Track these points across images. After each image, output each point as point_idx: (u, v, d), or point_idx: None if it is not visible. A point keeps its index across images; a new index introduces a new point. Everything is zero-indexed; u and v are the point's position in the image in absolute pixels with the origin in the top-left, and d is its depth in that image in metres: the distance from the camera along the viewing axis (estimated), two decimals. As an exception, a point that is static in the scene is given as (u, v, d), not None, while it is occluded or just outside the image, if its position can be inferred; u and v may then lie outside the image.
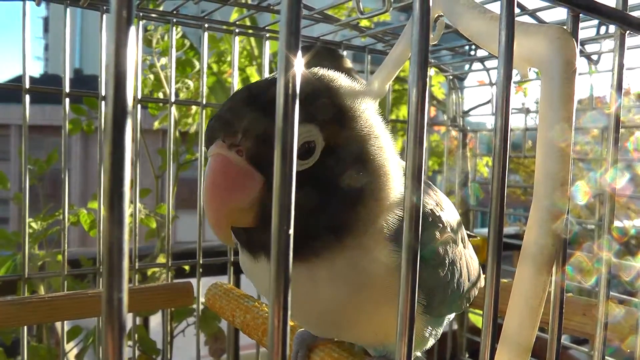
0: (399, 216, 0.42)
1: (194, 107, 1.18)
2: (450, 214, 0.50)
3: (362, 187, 0.40)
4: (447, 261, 0.47)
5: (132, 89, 0.16)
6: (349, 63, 1.02)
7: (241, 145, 0.38)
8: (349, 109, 0.40)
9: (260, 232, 0.40)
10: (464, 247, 0.53)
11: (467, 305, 0.55)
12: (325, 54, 0.98)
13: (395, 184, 0.43)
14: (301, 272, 0.40)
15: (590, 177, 1.06)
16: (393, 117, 1.37)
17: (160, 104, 1.09)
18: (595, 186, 0.97)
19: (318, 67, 0.44)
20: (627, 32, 0.30)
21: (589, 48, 0.89)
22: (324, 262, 0.40)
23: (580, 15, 0.28)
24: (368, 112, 0.42)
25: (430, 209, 0.46)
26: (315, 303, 0.42)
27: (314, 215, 0.38)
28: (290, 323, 0.20)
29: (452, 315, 0.55)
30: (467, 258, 0.52)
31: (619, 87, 0.32)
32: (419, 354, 0.54)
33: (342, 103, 0.40)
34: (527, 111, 1.12)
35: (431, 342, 0.52)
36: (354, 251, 0.41)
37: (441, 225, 0.47)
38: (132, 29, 0.16)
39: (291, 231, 0.19)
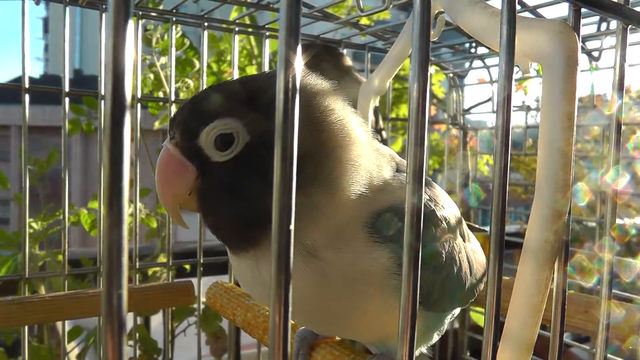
0: (385, 207, 0.42)
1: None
2: (447, 209, 0.49)
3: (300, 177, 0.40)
4: (443, 256, 0.46)
5: (132, 87, 0.16)
6: (348, 61, 1.02)
7: (176, 139, 0.42)
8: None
9: (213, 231, 0.43)
10: (465, 240, 0.52)
11: (473, 299, 0.54)
12: (325, 52, 0.98)
13: (361, 173, 0.42)
14: (249, 263, 0.43)
15: (591, 177, 1.06)
16: (393, 115, 1.37)
17: (161, 104, 1.09)
18: (596, 186, 0.97)
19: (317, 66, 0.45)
20: (629, 26, 0.30)
21: (590, 45, 0.89)
22: (252, 253, 0.42)
23: (582, 10, 0.28)
24: (317, 107, 0.42)
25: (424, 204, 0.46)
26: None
27: (250, 206, 0.40)
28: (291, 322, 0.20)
29: (456, 311, 0.55)
30: (467, 252, 0.51)
31: (621, 83, 0.31)
32: (424, 350, 0.53)
33: (269, 100, 0.39)
34: (528, 109, 1.11)
35: (435, 338, 0.52)
36: (312, 241, 0.41)
37: (435, 219, 0.46)
38: (131, 23, 0.16)
39: (292, 227, 0.19)
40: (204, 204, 0.42)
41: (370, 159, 0.44)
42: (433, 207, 0.46)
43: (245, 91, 0.42)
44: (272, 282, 0.20)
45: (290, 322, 0.20)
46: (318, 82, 0.43)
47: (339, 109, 0.43)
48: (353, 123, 0.43)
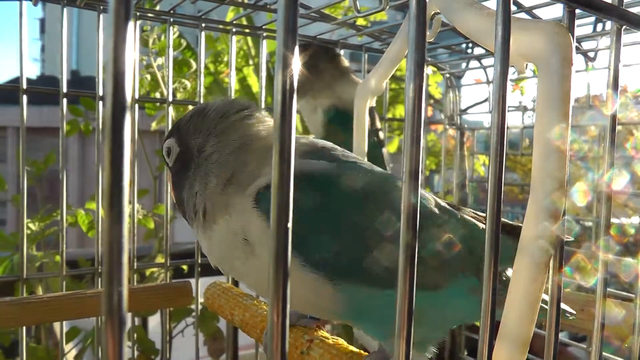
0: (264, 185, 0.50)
1: (191, 107, 1.18)
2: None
3: (213, 173, 0.54)
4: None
5: (130, 88, 0.16)
6: (345, 62, 1.03)
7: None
8: (194, 128, 0.56)
9: (180, 207, 0.58)
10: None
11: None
12: (322, 52, 0.98)
13: (254, 165, 0.52)
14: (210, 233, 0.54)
15: (588, 177, 1.06)
16: (390, 115, 1.37)
17: (157, 104, 1.09)
18: (593, 186, 0.97)
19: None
20: (624, 27, 0.30)
21: (586, 45, 0.90)
22: (216, 226, 0.53)
23: (577, 11, 0.29)
24: (227, 124, 0.55)
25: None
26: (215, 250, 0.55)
27: (188, 197, 0.56)
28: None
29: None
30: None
31: (616, 83, 0.32)
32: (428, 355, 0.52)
33: (192, 124, 0.56)
34: (524, 109, 1.12)
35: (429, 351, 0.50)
36: (229, 217, 0.52)
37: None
38: (130, 25, 0.16)
39: (289, 224, 0.19)
40: (173, 190, 0.59)
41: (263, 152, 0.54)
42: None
43: (178, 121, 0.58)
44: (270, 282, 0.20)
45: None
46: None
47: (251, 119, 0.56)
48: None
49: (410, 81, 0.23)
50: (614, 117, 0.33)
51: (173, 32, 0.92)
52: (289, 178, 0.20)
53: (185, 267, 1.00)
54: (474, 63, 1.12)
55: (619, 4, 0.29)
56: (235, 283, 0.87)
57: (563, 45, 0.27)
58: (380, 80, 0.65)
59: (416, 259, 0.25)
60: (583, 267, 0.88)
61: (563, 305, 0.50)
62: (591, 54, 0.89)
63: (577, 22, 0.30)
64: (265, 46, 0.94)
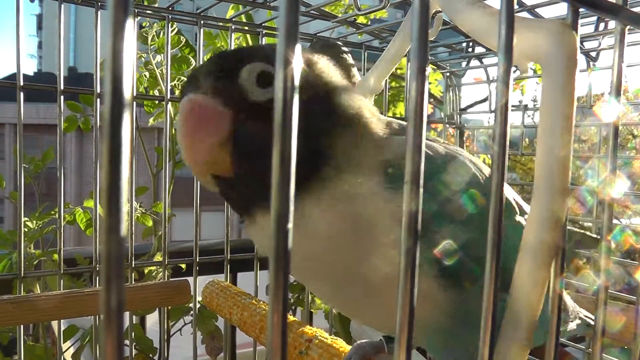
0: (391, 157, 0.42)
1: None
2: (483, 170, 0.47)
3: (332, 119, 0.42)
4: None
5: (129, 86, 0.16)
6: (350, 59, 1.02)
7: (203, 87, 0.41)
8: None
9: (244, 189, 0.41)
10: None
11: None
12: (328, 49, 0.98)
13: (377, 126, 0.44)
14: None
15: (587, 177, 1.06)
16: (390, 114, 1.37)
17: (156, 102, 1.09)
18: (593, 187, 0.97)
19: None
20: (628, 27, 0.30)
21: (588, 45, 0.89)
22: (311, 196, 0.40)
23: (581, 10, 0.28)
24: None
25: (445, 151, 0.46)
26: (308, 243, 0.41)
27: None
28: (291, 318, 0.20)
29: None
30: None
31: (618, 85, 0.31)
32: None
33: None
34: (525, 108, 1.12)
35: None
36: (340, 184, 0.41)
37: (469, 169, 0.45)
38: (129, 22, 0.16)
39: (290, 226, 0.19)
40: (241, 154, 0.40)
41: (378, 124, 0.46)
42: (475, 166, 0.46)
43: (257, 47, 0.44)
44: (270, 282, 0.20)
45: (291, 318, 0.20)
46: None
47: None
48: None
49: (412, 79, 0.23)
50: (615, 126, 0.32)
51: (172, 29, 0.91)
52: (289, 179, 0.20)
53: (183, 265, 0.99)
54: (474, 62, 1.12)
55: (623, 3, 0.29)
56: (234, 282, 0.86)
57: (568, 45, 0.26)
58: (379, 78, 0.65)
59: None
60: (581, 269, 0.88)
61: (586, 313, 0.50)
62: (593, 54, 0.89)
63: (580, 21, 0.30)
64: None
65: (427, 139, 0.45)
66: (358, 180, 0.41)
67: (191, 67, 1.12)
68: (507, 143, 0.25)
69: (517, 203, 0.49)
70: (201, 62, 0.89)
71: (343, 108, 0.43)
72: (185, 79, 0.45)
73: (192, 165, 0.40)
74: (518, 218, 0.48)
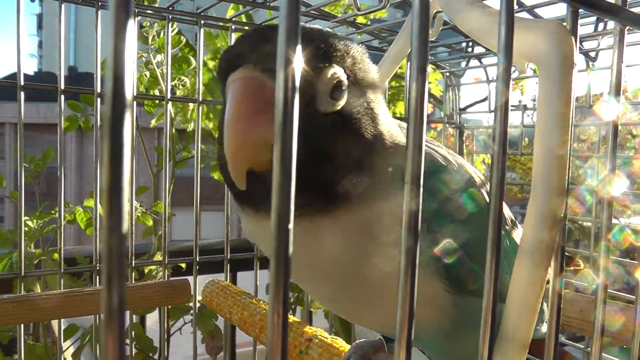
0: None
1: (190, 105, 1.18)
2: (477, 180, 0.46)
3: (375, 134, 0.39)
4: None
5: (130, 86, 0.16)
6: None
7: (272, 70, 0.33)
8: (359, 56, 0.39)
9: (264, 182, 0.35)
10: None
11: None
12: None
13: (395, 133, 0.42)
14: (307, 229, 0.37)
15: (586, 176, 1.06)
16: (390, 113, 1.37)
17: (156, 102, 1.09)
18: (593, 187, 0.97)
19: None
20: (627, 27, 0.30)
21: (587, 45, 0.89)
22: (333, 217, 0.37)
23: (580, 10, 0.28)
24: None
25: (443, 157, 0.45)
26: (324, 261, 0.39)
27: (337, 162, 0.36)
28: (291, 318, 0.20)
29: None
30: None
31: (618, 85, 0.32)
32: None
33: (353, 50, 0.39)
34: (525, 108, 1.12)
35: None
36: (369, 202, 0.38)
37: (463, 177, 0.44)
38: (130, 22, 0.16)
39: (291, 226, 0.19)
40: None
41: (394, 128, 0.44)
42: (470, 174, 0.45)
43: (340, 38, 0.37)
44: (271, 282, 0.20)
45: (292, 319, 0.20)
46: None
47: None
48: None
49: (413, 79, 0.23)
50: (615, 126, 0.32)
51: (172, 29, 0.91)
52: (290, 179, 0.20)
53: (183, 265, 0.99)
54: (473, 62, 1.12)
55: (622, 4, 0.29)
56: (234, 281, 0.86)
57: (565, 46, 0.26)
58: (382, 78, 0.65)
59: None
60: (581, 268, 0.88)
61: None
62: (592, 54, 0.89)
63: (579, 21, 0.30)
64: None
65: (428, 145, 0.44)
66: (382, 200, 0.38)
67: (191, 67, 1.12)
68: (507, 142, 0.25)
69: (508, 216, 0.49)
70: (201, 62, 0.89)
71: (383, 118, 0.40)
72: (236, 44, 0.38)
73: (239, 151, 0.34)
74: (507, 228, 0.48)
